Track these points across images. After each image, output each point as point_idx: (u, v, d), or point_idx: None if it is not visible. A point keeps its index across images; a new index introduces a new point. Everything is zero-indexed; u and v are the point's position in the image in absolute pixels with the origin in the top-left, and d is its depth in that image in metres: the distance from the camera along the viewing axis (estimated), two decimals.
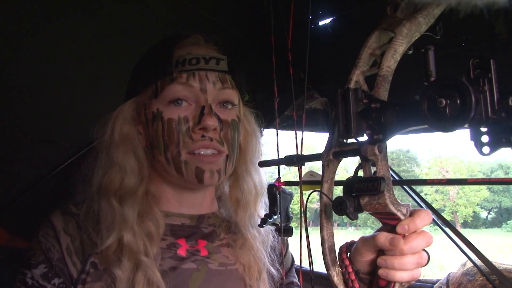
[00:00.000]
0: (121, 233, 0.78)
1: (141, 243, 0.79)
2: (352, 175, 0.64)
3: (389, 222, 0.62)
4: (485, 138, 0.43)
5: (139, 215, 0.82)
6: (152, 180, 0.90)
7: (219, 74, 0.86)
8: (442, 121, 0.45)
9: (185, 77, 0.83)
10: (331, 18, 1.57)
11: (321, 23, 1.60)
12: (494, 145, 0.42)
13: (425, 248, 0.64)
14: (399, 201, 0.59)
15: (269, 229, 0.99)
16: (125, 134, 0.87)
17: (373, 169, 0.59)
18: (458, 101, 0.43)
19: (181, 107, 0.83)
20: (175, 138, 0.82)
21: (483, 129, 0.44)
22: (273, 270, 0.95)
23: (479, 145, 0.44)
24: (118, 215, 0.80)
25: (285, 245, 1.08)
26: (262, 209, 0.98)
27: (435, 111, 0.45)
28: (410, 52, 0.59)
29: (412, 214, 0.61)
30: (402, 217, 0.60)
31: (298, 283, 1.04)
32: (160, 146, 0.84)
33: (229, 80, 0.88)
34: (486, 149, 0.43)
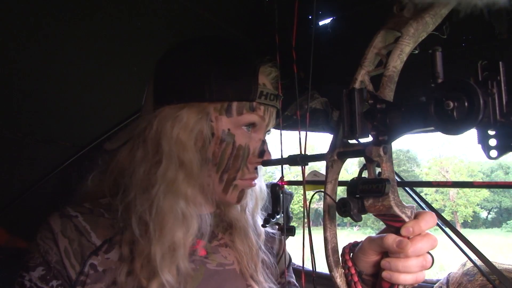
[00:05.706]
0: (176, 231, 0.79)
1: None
2: (354, 175, 0.63)
3: (393, 224, 0.62)
4: (492, 142, 0.43)
5: None
6: None
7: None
8: (450, 123, 0.44)
9: (262, 111, 0.86)
10: (331, 18, 1.56)
11: (321, 23, 1.59)
12: (502, 149, 0.42)
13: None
14: (404, 203, 0.59)
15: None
16: (194, 134, 0.84)
17: (377, 170, 0.59)
18: (466, 104, 0.42)
19: (248, 134, 0.87)
20: (238, 164, 0.85)
21: (491, 132, 0.43)
22: (268, 261, 0.95)
23: (486, 148, 0.43)
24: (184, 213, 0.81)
25: (282, 245, 1.08)
26: (251, 201, 0.98)
27: (442, 113, 0.44)
28: (416, 51, 0.58)
29: (416, 216, 0.61)
30: (406, 219, 0.60)
31: (296, 283, 1.03)
32: (221, 166, 0.85)
33: None
34: (493, 153, 0.43)
